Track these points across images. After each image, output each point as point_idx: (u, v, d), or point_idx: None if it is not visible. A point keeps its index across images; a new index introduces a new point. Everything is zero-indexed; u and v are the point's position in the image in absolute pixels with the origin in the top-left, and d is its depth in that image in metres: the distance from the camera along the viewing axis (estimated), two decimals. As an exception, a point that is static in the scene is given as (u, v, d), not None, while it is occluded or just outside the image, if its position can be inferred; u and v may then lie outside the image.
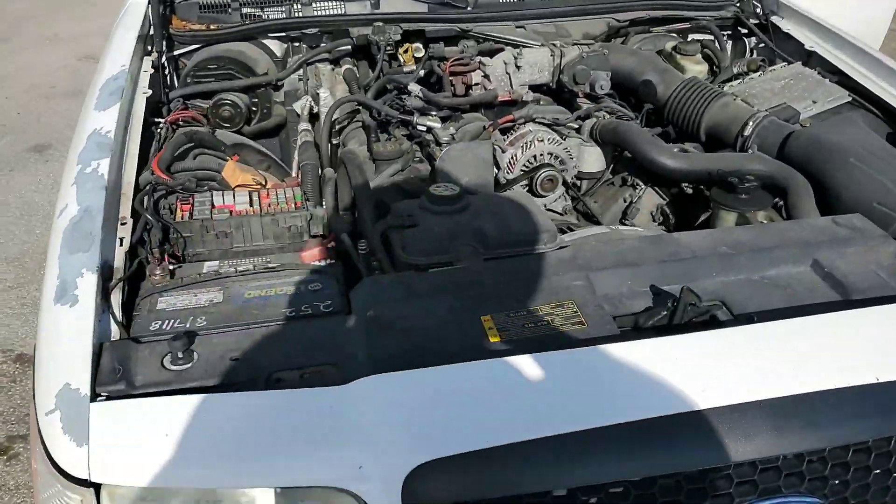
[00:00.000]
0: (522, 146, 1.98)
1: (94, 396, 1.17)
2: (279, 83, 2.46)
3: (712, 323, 1.31)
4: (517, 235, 1.55)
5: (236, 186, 1.80)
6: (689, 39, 2.62)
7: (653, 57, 2.38)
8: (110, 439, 1.11)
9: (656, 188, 2.02)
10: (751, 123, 2.03)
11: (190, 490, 1.09)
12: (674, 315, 1.31)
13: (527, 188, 2.01)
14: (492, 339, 1.27)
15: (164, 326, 1.36)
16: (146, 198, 1.64)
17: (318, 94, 2.35)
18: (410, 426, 1.11)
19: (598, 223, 2.02)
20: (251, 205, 1.73)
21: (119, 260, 1.49)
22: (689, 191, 1.98)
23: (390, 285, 1.41)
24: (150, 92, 2.14)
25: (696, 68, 2.40)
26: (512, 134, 2.04)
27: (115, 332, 1.33)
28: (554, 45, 2.36)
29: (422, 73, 2.29)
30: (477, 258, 1.52)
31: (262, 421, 1.14)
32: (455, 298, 1.36)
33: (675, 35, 2.64)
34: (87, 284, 1.36)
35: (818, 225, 1.59)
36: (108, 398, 1.18)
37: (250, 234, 1.69)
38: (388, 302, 1.36)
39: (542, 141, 1.98)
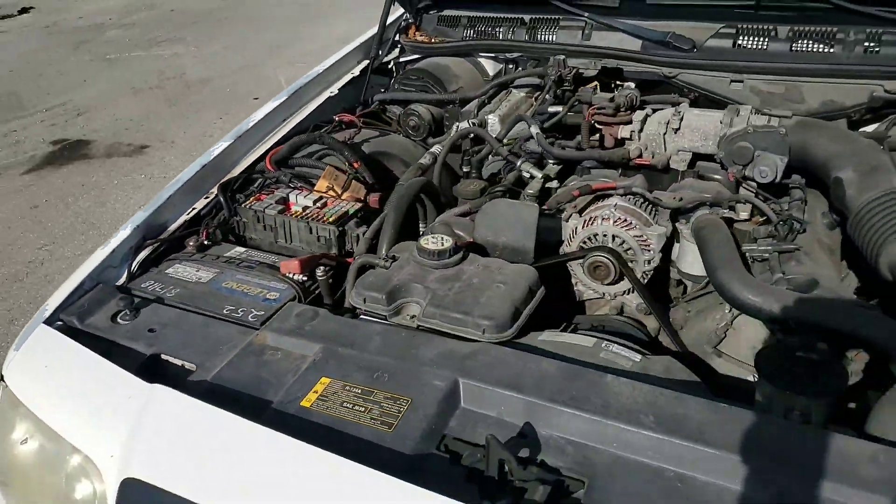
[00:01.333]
0: (587, 220, 1.68)
1: (52, 320, 1.53)
2: (465, 101, 2.51)
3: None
4: (461, 314, 1.39)
5: (315, 190, 1.98)
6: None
7: (868, 148, 1.72)
8: (29, 356, 1.45)
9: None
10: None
11: (41, 424, 1.36)
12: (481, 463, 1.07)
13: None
14: (303, 403, 1.22)
15: (152, 287, 1.65)
16: (231, 179, 1.95)
17: (486, 119, 2.35)
18: (143, 442, 1.18)
19: (651, 338, 1.63)
20: (309, 208, 1.89)
21: (178, 223, 1.84)
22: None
23: (295, 316, 1.44)
24: (336, 92, 2.45)
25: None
26: (595, 204, 1.75)
27: (123, 279, 1.68)
28: (738, 110, 1.89)
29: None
30: (405, 322, 1.43)
31: (109, 392, 1.34)
32: (324, 350, 1.34)
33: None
34: (126, 234, 1.73)
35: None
36: (60, 326, 1.52)
37: (289, 234, 1.87)
38: (276, 329, 1.41)
39: (607, 220, 1.65)
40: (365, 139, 2.35)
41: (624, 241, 1.65)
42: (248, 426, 1.13)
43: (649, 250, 1.64)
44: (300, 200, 1.93)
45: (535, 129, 2.01)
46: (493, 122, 2.31)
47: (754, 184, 1.78)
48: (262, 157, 2.11)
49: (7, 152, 6.17)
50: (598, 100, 2.02)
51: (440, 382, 1.23)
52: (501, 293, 1.45)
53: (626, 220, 1.64)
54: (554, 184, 1.96)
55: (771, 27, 2.12)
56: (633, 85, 2.21)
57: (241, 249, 1.82)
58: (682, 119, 1.91)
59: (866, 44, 1.99)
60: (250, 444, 1.13)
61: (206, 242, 1.82)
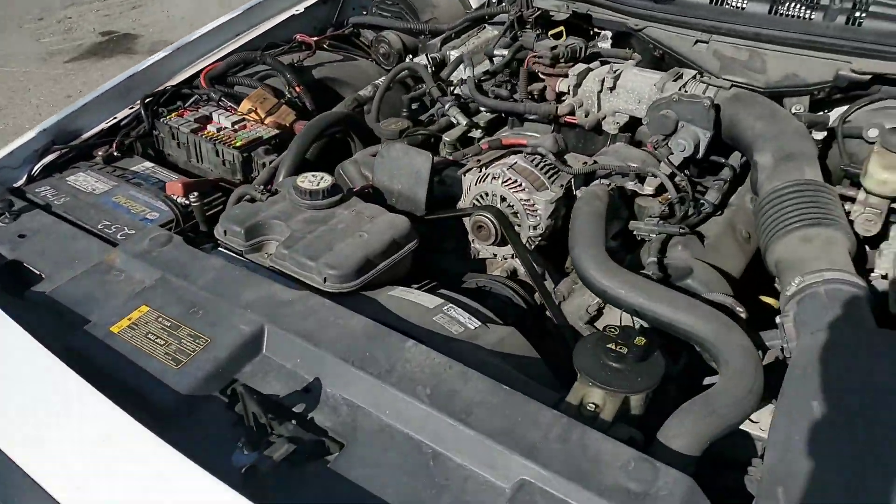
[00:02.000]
0: (480, 177, 1.59)
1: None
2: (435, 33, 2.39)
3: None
4: (308, 259, 1.36)
5: (238, 111, 1.95)
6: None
7: (793, 132, 1.55)
8: None
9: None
10: (794, 283, 1.25)
11: None
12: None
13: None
14: (112, 329, 1.24)
15: (45, 193, 1.69)
16: (158, 92, 1.94)
17: (449, 54, 2.23)
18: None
19: (532, 305, 1.56)
20: (225, 129, 1.87)
21: (93, 132, 1.86)
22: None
23: (149, 239, 1.44)
24: (302, 10, 2.38)
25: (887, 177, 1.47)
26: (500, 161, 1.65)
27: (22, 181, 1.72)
28: (681, 74, 1.73)
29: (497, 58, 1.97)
30: (261, 260, 1.43)
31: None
32: (159, 277, 1.34)
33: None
34: (30, 137, 1.76)
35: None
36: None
37: (200, 155, 1.86)
38: (127, 251, 1.42)
39: (496, 179, 1.56)
40: (320, 63, 2.29)
41: (511, 205, 1.56)
42: (32, 348, 1.16)
43: (535, 216, 1.55)
44: (221, 120, 1.91)
45: (467, 73, 1.90)
46: (454, 55, 2.19)
47: (679, 157, 1.64)
48: (200, 73, 2.09)
49: (58, 38, 6.35)
50: (540, 47, 1.89)
51: (246, 327, 1.22)
52: (358, 243, 1.41)
53: (515, 182, 1.55)
54: (478, 133, 1.87)
55: (753, -18, 1.91)
56: (609, 34, 2.05)
57: (149, 165, 1.83)
58: (617, 78, 1.76)
59: (851, 12, 1.76)
60: (31, 368, 1.15)
61: (115, 154, 1.84)
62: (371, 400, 1.11)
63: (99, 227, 1.57)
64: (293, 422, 1.06)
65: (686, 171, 1.67)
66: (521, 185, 1.55)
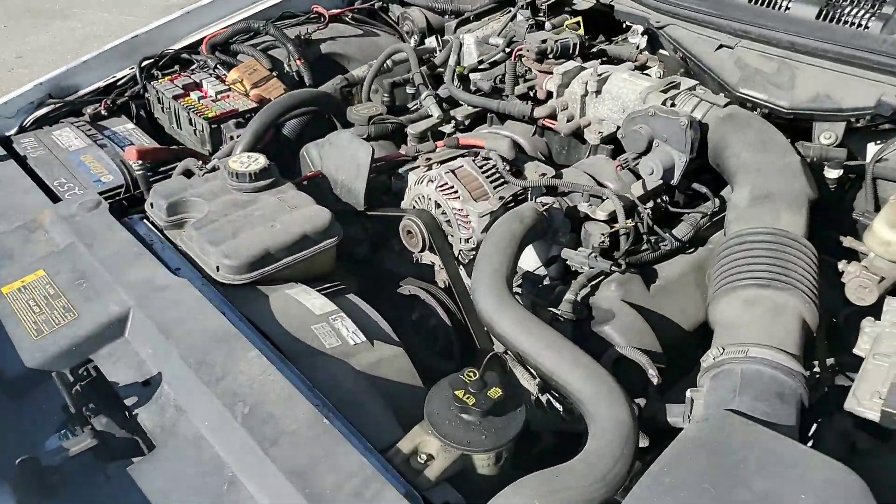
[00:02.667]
0: (419, 178, 1.46)
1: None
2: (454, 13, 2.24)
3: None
4: (210, 244, 1.32)
5: (227, 81, 1.93)
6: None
7: (783, 167, 1.30)
8: None
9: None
10: (712, 354, 1.06)
11: None
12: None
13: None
14: (3, 289, 1.27)
15: (29, 144, 1.75)
16: (158, 55, 1.96)
17: (462, 38, 2.09)
18: None
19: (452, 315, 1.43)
20: (206, 98, 1.86)
21: (90, 89, 1.91)
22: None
23: (79, 204, 1.44)
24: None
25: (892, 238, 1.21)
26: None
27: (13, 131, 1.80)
28: (678, 84, 1.50)
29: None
30: (178, 238, 1.41)
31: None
32: (71, 243, 1.35)
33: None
34: (27, 89, 1.83)
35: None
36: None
37: (178, 121, 1.86)
38: (57, 212, 1.44)
39: (433, 182, 1.42)
40: (332, 36, 2.22)
41: (445, 213, 1.44)
42: None
43: (468, 228, 1.41)
44: (208, 88, 1.89)
45: (452, 60, 1.77)
46: (469, 43, 2.06)
47: (655, 180, 1.44)
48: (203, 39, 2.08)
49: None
50: (531, 39, 1.71)
51: (115, 307, 1.20)
52: (263, 234, 1.35)
53: (451, 188, 1.42)
54: (448, 128, 1.74)
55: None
56: (640, 29, 1.84)
57: (130, 127, 1.86)
58: (603, 82, 1.56)
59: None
60: None
61: (103, 113, 1.87)
62: (195, 406, 1.06)
63: (55, 183, 1.61)
64: (106, 416, 1.03)
65: (662, 199, 1.47)
66: (456, 192, 1.42)
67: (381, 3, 2.44)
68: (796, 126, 1.61)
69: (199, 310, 1.18)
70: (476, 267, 1.22)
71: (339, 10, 2.31)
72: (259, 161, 1.48)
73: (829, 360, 1.35)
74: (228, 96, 1.88)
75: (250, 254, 1.31)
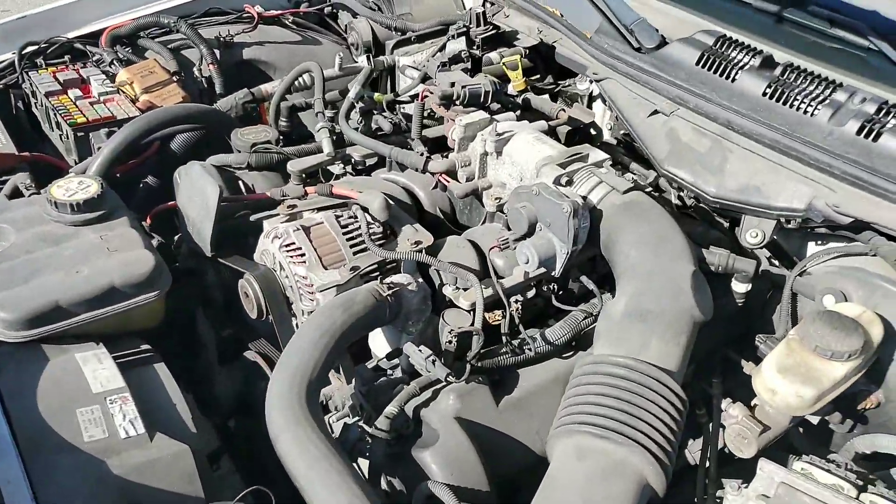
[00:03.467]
0: (268, 232, 1.25)
1: None
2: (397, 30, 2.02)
3: None
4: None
5: (117, 81, 1.72)
6: None
7: (674, 277, 1.07)
8: None
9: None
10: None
11: None
12: None
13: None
14: None
15: None
16: (46, 42, 1.76)
17: (397, 60, 1.87)
18: None
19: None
20: (82, 99, 1.66)
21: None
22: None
23: None
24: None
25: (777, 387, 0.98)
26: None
27: None
28: (587, 156, 1.28)
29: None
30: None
31: None
32: None
33: None
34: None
35: None
36: None
37: (48, 119, 1.66)
38: None
39: (278, 239, 1.21)
40: (261, 41, 2.01)
41: (288, 276, 1.23)
42: None
43: (311, 300, 1.20)
44: (94, 87, 1.69)
45: (352, 91, 1.55)
46: (404, 67, 1.84)
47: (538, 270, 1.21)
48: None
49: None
50: (441, 79, 1.49)
51: None
52: (60, 282, 1.15)
53: (298, 250, 1.21)
54: (337, 168, 1.52)
55: (763, 48, 1.39)
56: (588, 77, 1.61)
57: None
58: (504, 143, 1.34)
59: (873, 120, 1.21)
60: None
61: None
62: None
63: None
64: None
65: (548, 288, 1.25)
66: (303, 255, 1.21)
67: (331, 8, 2.23)
68: (726, 214, 1.39)
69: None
70: (277, 366, 1.01)
71: (278, 12, 2.10)
72: (90, 189, 1.28)
73: None
74: (113, 99, 1.68)
75: (32, 307, 1.11)
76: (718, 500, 1.23)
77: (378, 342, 1.27)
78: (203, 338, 1.50)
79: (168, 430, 1.06)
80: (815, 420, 1.17)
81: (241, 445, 1.36)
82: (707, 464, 1.25)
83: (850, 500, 0.89)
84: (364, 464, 1.08)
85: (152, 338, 1.27)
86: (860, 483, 0.92)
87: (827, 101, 1.25)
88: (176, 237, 1.53)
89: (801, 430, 1.27)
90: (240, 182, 1.51)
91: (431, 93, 1.44)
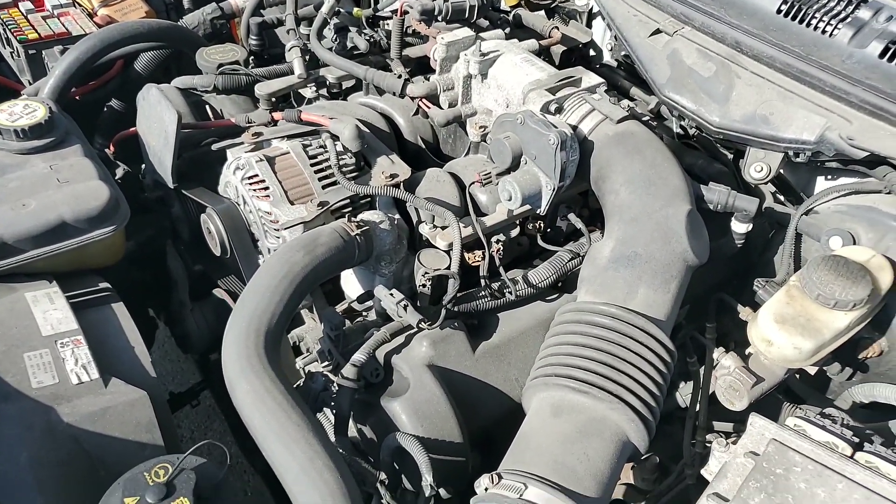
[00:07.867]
0: (230, 163, 1.16)
1: None
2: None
3: None
4: None
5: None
6: None
7: (668, 218, 0.98)
8: None
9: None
10: (483, 484, 0.79)
11: None
12: None
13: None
14: None
15: None
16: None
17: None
18: None
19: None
20: (36, 13, 1.52)
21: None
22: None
23: None
24: None
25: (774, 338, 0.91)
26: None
27: None
28: (580, 79, 1.16)
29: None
30: None
31: None
32: None
33: None
34: None
35: None
36: None
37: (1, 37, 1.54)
38: None
39: (240, 170, 1.11)
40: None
41: (251, 211, 1.14)
42: None
43: (277, 236, 1.12)
44: (48, 0, 1.55)
45: (326, 4, 1.41)
46: None
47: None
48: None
49: None
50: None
51: None
52: (7, 216, 1.06)
53: (262, 184, 1.12)
54: (309, 92, 1.41)
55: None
56: None
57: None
58: (489, 64, 1.22)
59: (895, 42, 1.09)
60: None
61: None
62: None
63: None
64: None
65: (535, 227, 1.16)
66: (267, 189, 1.11)
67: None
68: (730, 145, 1.29)
69: None
70: (232, 313, 0.93)
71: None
72: (36, 114, 1.18)
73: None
74: (68, 13, 1.54)
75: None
76: (707, 444, 1.19)
77: (350, 283, 1.19)
78: (174, 273, 1.43)
79: (125, 376, 1.00)
80: (812, 370, 1.11)
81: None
82: (697, 408, 1.20)
83: (845, 458, 0.83)
84: (331, 414, 1.02)
85: (122, 272, 1.21)
86: (856, 440, 0.86)
87: (849, 20, 1.12)
88: (143, 166, 1.44)
89: (797, 375, 1.21)
90: (207, 107, 1.40)
91: (412, 7, 1.30)
